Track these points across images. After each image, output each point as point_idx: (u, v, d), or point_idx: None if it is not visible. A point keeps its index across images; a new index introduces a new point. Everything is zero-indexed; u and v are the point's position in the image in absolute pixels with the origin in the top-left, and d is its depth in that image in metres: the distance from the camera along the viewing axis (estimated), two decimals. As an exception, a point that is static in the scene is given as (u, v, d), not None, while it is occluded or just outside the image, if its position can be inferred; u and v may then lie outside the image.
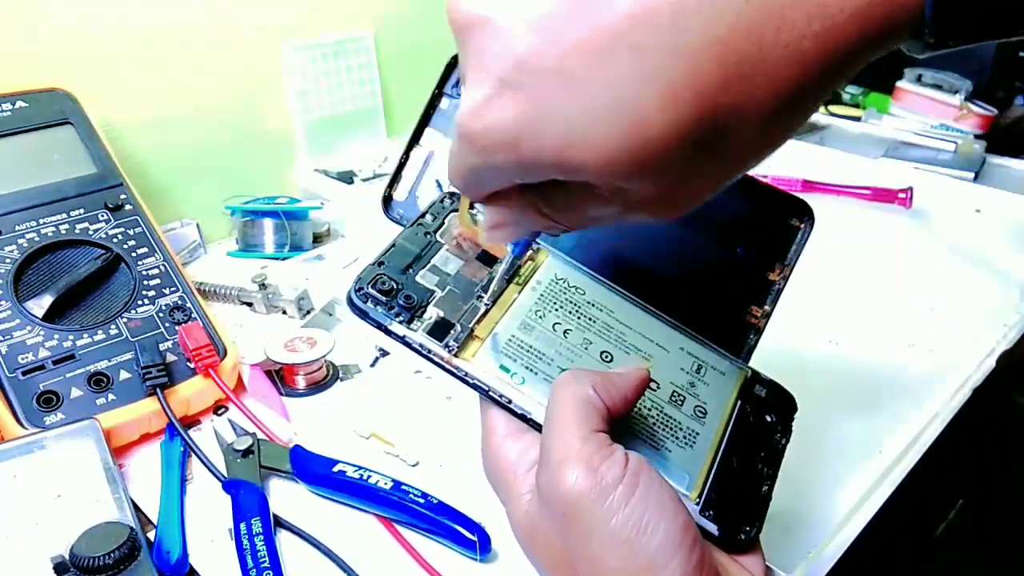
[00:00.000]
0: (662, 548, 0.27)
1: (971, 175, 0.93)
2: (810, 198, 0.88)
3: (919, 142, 1.03)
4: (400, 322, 0.33)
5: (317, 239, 0.78)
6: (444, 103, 0.44)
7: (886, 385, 0.57)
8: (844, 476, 0.48)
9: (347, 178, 0.83)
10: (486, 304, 0.34)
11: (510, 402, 0.32)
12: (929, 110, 1.06)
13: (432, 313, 0.33)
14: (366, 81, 0.90)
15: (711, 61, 0.20)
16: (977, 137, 1.02)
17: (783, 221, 0.42)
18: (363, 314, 0.33)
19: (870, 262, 0.75)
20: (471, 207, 0.35)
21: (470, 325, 0.34)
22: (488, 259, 0.36)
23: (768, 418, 0.36)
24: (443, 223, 0.37)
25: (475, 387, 0.32)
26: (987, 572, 0.92)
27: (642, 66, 0.20)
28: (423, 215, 0.37)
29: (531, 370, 0.33)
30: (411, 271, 0.35)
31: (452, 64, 0.44)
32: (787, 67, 0.20)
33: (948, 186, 0.91)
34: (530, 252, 0.37)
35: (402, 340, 0.33)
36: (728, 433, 0.35)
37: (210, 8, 0.75)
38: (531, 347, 0.34)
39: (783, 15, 0.20)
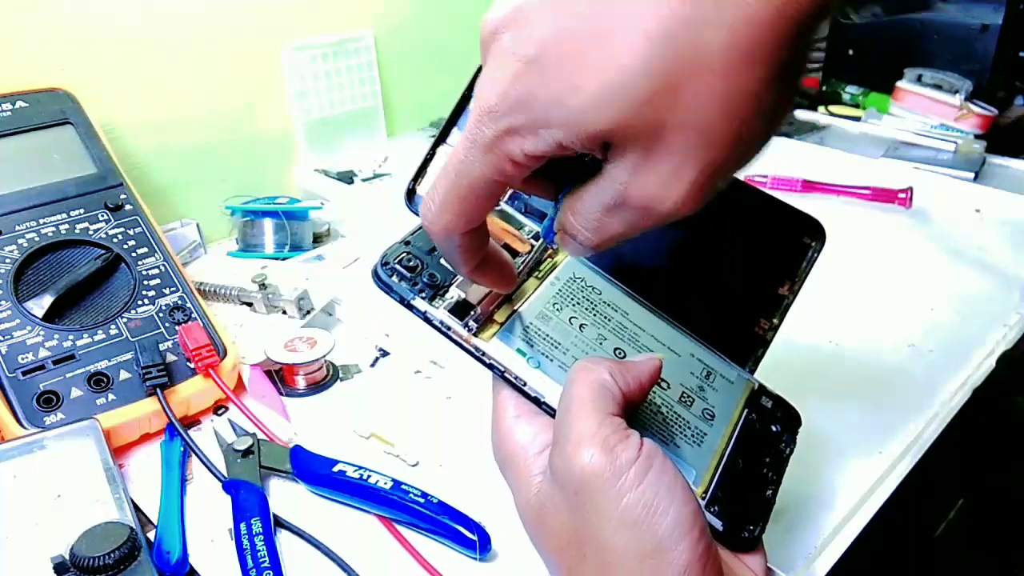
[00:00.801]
0: (670, 531, 0.27)
1: (971, 175, 0.93)
2: (810, 198, 0.88)
3: (919, 142, 1.03)
4: (423, 298, 0.34)
5: (317, 239, 0.78)
6: (472, 105, 0.44)
7: (886, 385, 0.57)
8: (844, 476, 0.48)
9: (347, 178, 0.83)
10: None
11: (525, 384, 0.33)
12: (929, 110, 1.06)
13: (454, 294, 0.34)
14: (366, 81, 0.90)
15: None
16: (977, 137, 1.02)
17: (796, 238, 0.42)
18: (388, 288, 0.34)
19: (870, 262, 0.75)
20: (510, 199, 0.37)
21: (490, 309, 0.34)
22: (510, 251, 0.37)
23: (774, 428, 0.37)
24: None
25: (491, 367, 0.33)
26: (987, 572, 0.92)
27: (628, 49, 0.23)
28: None
29: (547, 356, 0.34)
30: (436, 253, 0.35)
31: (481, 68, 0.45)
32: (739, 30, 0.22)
33: (948, 186, 0.91)
34: (550, 251, 0.38)
35: (423, 316, 0.33)
36: (735, 437, 0.35)
37: (210, 8, 0.75)
38: (548, 335, 0.35)
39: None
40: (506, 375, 0.33)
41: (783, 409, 0.38)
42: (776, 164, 0.92)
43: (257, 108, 0.82)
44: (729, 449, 0.35)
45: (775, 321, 0.41)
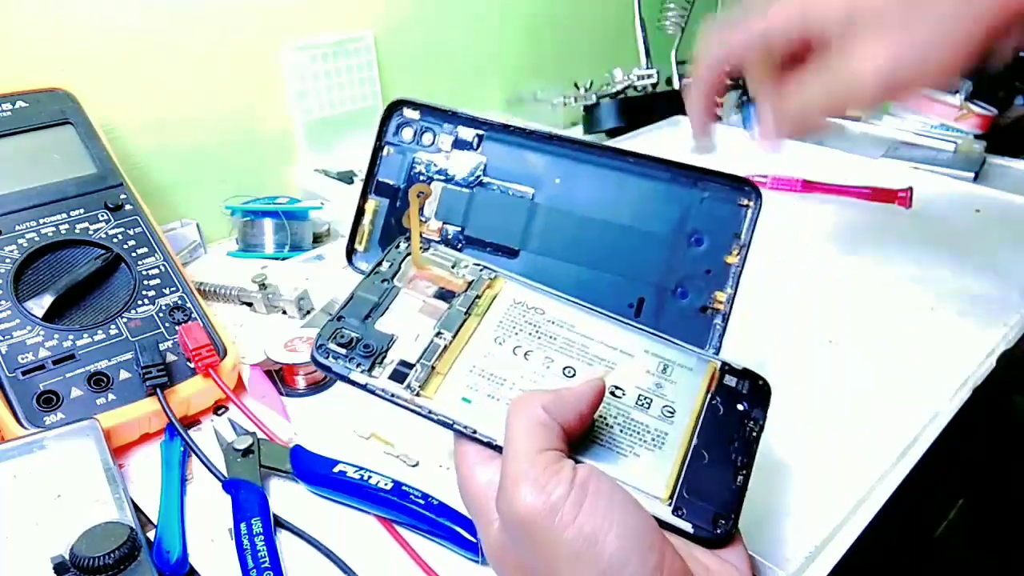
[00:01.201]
0: (615, 556, 0.27)
1: (971, 175, 0.93)
2: (810, 198, 0.88)
3: (919, 142, 1.03)
4: (361, 371, 0.34)
5: (317, 239, 0.78)
6: (387, 151, 0.46)
7: (886, 385, 0.57)
8: (844, 476, 0.48)
9: (347, 178, 0.83)
10: (446, 340, 0.35)
11: (475, 432, 0.33)
12: (929, 110, 1.06)
13: (393, 357, 0.34)
14: (366, 81, 0.90)
15: None
16: (977, 137, 1.02)
17: (732, 204, 0.43)
18: (327, 369, 0.34)
19: (870, 262, 0.75)
20: (422, 246, 0.38)
21: (431, 363, 0.34)
22: (446, 296, 0.37)
23: (740, 406, 0.36)
24: (399, 268, 0.38)
25: (440, 423, 0.33)
26: (987, 572, 0.92)
27: None
28: (379, 263, 0.38)
29: (493, 397, 0.34)
30: (370, 319, 0.36)
31: (388, 113, 0.46)
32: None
33: (948, 186, 0.91)
34: (487, 281, 0.38)
35: (364, 388, 0.34)
36: (699, 429, 0.35)
37: (210, 8, 0.75)
38: (492, 375, 0.34)
39: None
40: (455, 427, 0.33)
41: (750, 382, 0.36)
42: (776, 164, 0.92)
43: (257, 108, 0.82)
44: (693, 444, 0.34)
45: (729, 291, 0.41)
